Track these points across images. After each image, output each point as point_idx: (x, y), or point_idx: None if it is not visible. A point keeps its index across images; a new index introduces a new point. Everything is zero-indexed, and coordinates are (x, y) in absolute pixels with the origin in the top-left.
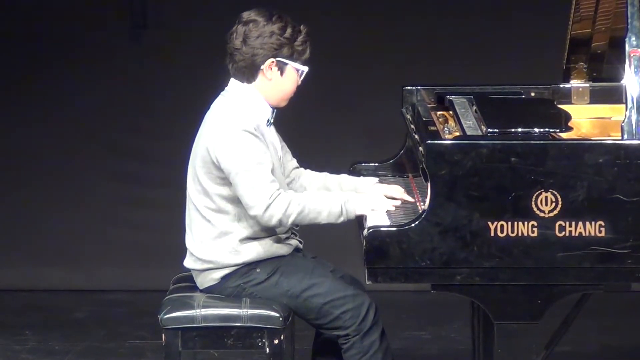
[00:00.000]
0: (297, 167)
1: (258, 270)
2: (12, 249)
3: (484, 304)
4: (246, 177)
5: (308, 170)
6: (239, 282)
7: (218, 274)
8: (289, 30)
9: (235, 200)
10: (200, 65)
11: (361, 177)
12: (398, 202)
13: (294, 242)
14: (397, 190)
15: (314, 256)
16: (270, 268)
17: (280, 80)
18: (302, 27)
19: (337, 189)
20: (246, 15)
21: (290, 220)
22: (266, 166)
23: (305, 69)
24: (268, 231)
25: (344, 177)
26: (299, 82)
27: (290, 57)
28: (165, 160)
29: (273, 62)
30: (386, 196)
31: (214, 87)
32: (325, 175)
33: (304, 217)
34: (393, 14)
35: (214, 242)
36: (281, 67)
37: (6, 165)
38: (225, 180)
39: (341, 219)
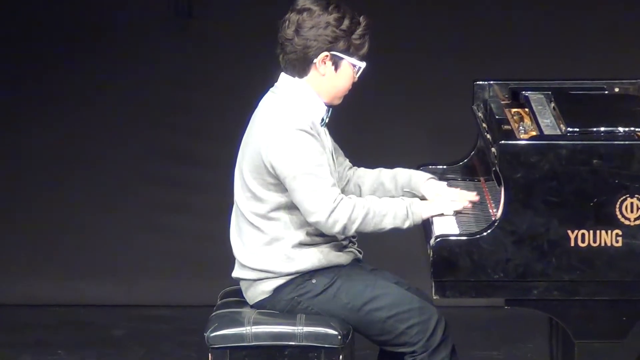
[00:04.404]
0: (351, 168)
1: (314, 281)
2: (46, 261)
3: (563, 320)
4: (306, 181)
5: (361, 168)
6: (292, 295)
7: (270, 286)
8: (346, 22)
9: (288, 207)
10: (248, 57)
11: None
12: (466, 203)
13: (354, 251)
14: (461, 194)
15: (374, 268)
16: (328, 279)
17: (334, 76)
18: (361, 18)
19: (392, 183)
20: (301, 2)
21: (355, 226)
22: (326, 168)
23: (363, 64)
24: (325, 237)
25: (398, 170)
26: (355, 79)
27: (346, 51)
28: (211, 163)
29: (327, 56)
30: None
31: (263, 82)
32: (379, 170)
33: (368, 222)
34: (463, 2)
35: (264, 249)
36: (336, 62)
37: (38, 171)
38: (278, 187)
39: (407, 223)
